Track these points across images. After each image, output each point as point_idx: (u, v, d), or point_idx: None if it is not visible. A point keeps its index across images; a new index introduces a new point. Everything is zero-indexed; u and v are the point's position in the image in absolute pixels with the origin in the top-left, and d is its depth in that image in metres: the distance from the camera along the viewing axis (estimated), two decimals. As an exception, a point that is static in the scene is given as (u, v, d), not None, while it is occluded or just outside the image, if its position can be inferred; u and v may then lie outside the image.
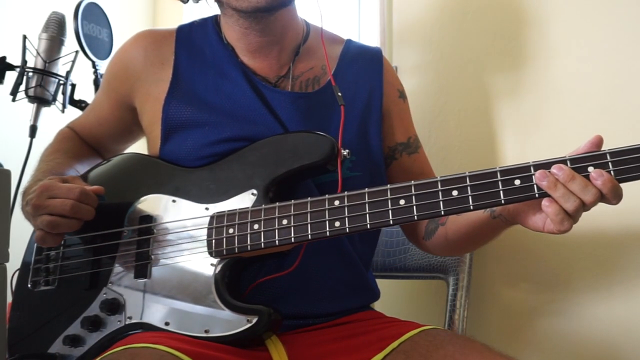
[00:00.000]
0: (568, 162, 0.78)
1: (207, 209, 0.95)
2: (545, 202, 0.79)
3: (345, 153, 0.94)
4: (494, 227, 0.94)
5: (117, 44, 1.45)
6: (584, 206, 0.78)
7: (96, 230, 0.99)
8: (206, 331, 0.88)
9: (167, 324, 0.90)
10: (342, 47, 1.14)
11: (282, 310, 0.92)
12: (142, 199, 0.99)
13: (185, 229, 0.95)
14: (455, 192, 0.82)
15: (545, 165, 0.79)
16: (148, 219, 0.97)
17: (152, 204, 0.99)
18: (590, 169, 0.77)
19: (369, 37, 1.66)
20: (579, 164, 0.78)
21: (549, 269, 1.26)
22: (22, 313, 1.01)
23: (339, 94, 1.00)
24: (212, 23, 1.12)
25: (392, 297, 1.44)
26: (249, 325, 0.87)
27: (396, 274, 1.34)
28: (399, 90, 1.16)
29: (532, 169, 0.80)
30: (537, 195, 0.79)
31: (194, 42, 1.10)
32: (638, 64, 1.17)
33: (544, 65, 1.29)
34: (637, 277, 1.16)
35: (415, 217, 0.83)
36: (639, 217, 1.16)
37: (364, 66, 1.13)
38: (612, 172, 0.76)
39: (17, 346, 0.98)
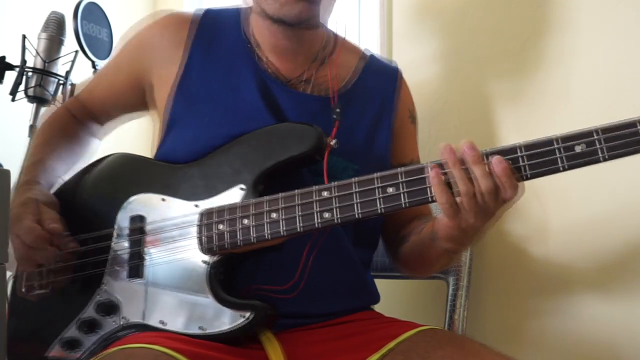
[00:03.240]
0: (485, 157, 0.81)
1: (196, 206, 0.95)
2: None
3: (332, 143, 0.94)
4: (435, 250, 0.94)
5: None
6: (478, 196, 0.79)
7: (88, 232, 0.99)
8: (201, 328, 0.88)
9: (162, 322, 0.90)
10: (362, 59, 1.14)
11: (280, 309, 0.91)
12: (132, 199, 0.99)
13: (176, 227, 0.94)
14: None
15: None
16: (139, 218, 0.97)
17: (141, 203, 0.98)
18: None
19: (369, 37, 1.65)
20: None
21: (548, 269, 1.26)
22: (18, 318, 1.00)
23: (338, 110, 1.00)
24: (236, 13, 1.12)
25: (392, 297, 1.43)
26: (244, 320, 0.86)
27: (396, 274, 1.33)
28: (410, 111, 1.16)
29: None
30: (529, 175, 0.80)
31: (214, 29, 1.09)
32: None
33: (545, 65, 1.29)
34: (637, 276, 1.15)
35: (404, 204, 0.83)
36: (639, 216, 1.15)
37: (381, 81, 1.13)
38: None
39: (14, 352, 0.98)
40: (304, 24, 1.01)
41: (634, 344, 1.14)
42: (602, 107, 1.20)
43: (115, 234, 0.97)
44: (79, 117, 1.20)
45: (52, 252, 0.94)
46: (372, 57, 1.16)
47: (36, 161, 1.08)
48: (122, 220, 0.98)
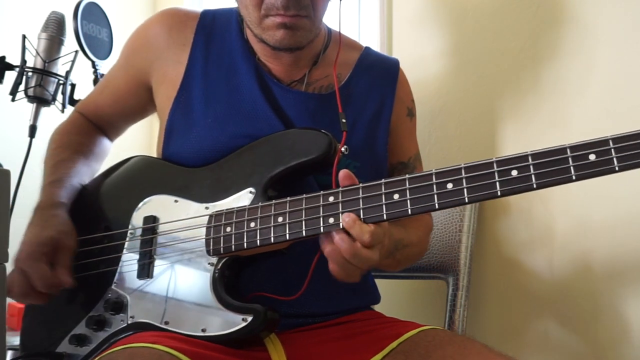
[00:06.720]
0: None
1: (207, 208, 0.95)
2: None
3: (343, 149, 0.93)
4: None
5: (117, 44, 1.45)
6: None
7: (103, 232, 1.01)
8: (203, 330, 0.88)
9: (166, 323, 0.91)
10: (360, 55, 1.14)
11: (281, 310, 0.91)
12: (147, 199, 1.01)
13: (186, 228, 0.95)
14: (450, 185, 0.80)
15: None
16: (152, 219, 0.98)
17: (155, 204, 1.00)
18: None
19: (369, 37, 1.65)
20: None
21: (548, 269, 1.26)
22: (33, 313, 1.03)
23: (343, 120, 0.99)
24: (236, 14, 1.11)
25: (392, 297, 1.44)
26: (244, 324, 0.86)
27: (396, 274, 1.34)
28: (408, 108, 1.16)
29: (529, 158, 0.79)
30: (534, 185, 0.78)
31: (215, 29, 1.09)
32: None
33: (545, 65, 1.29)
34: (637, 276, 1.16)
35: (409, 211, 0.82)
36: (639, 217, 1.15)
37: (379, 76, 1.12)
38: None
39: (27, 345, 1.01)
40: (289, 50, 1.01)
41: (634, 343, 1.14)
42: (603, 105, 1.20)
43: (129, 234, 0.99)
44: (93, 121, 1.21)
45: (50, 298, 0.95)
46: (367, 50, 1.16)
47: (56, 180, 1.05)
48: (137, 220, 1.00)
